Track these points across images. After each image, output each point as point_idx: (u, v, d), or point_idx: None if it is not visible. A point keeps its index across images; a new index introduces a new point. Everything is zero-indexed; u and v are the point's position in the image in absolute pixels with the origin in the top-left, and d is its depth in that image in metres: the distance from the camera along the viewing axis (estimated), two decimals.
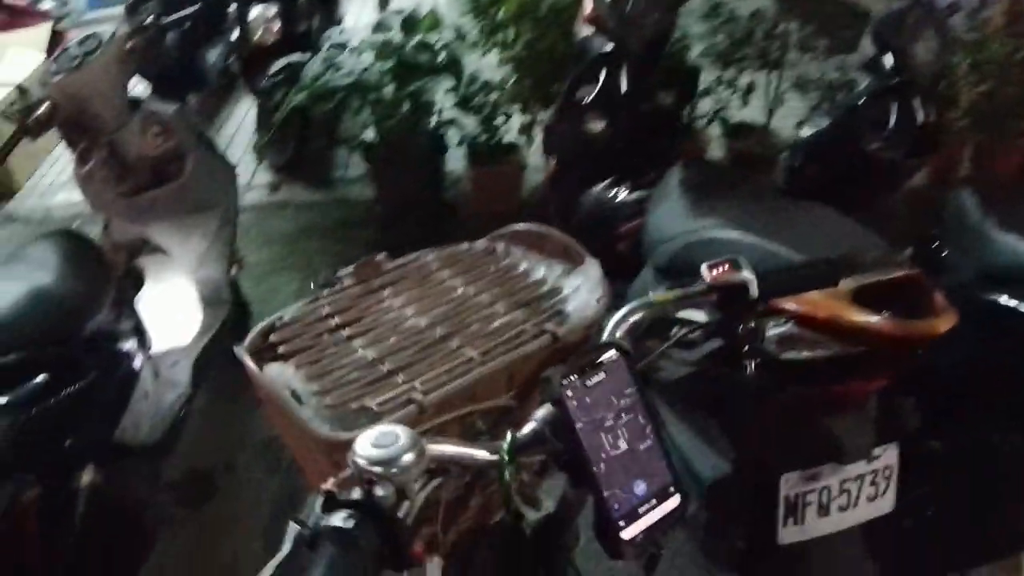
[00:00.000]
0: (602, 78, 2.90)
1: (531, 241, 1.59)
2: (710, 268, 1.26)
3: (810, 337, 1.74)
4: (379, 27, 4.03)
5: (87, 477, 2.03)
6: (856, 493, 1.97)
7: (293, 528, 0.87)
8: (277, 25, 4.51)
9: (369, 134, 3.95)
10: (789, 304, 1.64)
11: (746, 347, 1.37)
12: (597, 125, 2.92)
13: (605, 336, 1.16)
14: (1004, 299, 2.11)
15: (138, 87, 3.83)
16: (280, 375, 1.31)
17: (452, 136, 4.21)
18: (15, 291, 2.00)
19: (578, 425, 1.00)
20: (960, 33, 3.94)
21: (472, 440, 1.12)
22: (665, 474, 1.04)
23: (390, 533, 0.88)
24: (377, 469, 0.88)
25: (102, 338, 2.21)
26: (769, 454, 1.97)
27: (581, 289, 1.45)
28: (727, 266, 1.26)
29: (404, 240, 3.98)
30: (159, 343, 2.64)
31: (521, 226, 1.61)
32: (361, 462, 0.88)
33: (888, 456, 1.96)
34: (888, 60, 2.84)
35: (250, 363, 1.30)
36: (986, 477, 2.22)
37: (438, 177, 4.34)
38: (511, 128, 4.14)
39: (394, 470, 0.88)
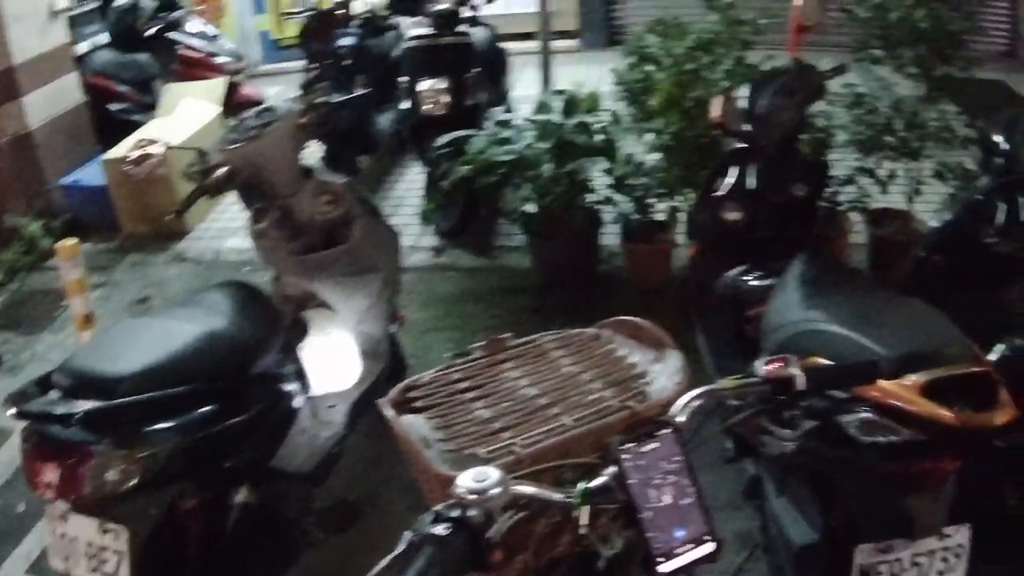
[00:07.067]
0: (734, 173, 3.07)
1: (631, 331, 1.88)
2: (765, 364, 1.50)
3: (888, 424, 1.89)
4: (541, 107, 4.31)
5: (242, 494, 2.34)
6: (927, 568, 2.06)
7: (406, 535, 1.17)
8: (446, 98, 4.76)
9: (529, 207, 4.16)
10: (868, 393, 1.82)
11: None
12: (733, 215, 3.07)
13: (669, 414, 1.42)
14: None
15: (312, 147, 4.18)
16: (413, 424, 1.64)
17: (607, 213, 4.38)
18: (194, 332, 2.30)
19: (631, 480, 1.28)
20: None
21: (561, 487, 1.39)
22: (701, 525, 1.30)
23: (476, 543, 1.18)
24: (471, 497, 1.19)
25: (267, 378, 2.53)
26: (848, 526, 2.10)
27: (663, 374, 1.73)
28: (779, 363, 1.50)
29: (557, 308, 4.26)
30: (320, 387, 2.94)
31: (624, 318, 1.89)
32: (460, 490, 1.20)
33: (960, 535, 2.05)
34: (999, 161, 2.88)
35: (389, 411, 1.63)
36: None
37: (593, 250, 4.50)
38: (662, 208, 4.26)
39: (483, 498, 1.19)
